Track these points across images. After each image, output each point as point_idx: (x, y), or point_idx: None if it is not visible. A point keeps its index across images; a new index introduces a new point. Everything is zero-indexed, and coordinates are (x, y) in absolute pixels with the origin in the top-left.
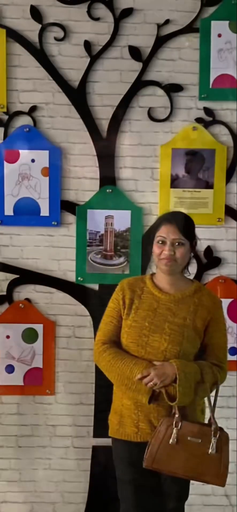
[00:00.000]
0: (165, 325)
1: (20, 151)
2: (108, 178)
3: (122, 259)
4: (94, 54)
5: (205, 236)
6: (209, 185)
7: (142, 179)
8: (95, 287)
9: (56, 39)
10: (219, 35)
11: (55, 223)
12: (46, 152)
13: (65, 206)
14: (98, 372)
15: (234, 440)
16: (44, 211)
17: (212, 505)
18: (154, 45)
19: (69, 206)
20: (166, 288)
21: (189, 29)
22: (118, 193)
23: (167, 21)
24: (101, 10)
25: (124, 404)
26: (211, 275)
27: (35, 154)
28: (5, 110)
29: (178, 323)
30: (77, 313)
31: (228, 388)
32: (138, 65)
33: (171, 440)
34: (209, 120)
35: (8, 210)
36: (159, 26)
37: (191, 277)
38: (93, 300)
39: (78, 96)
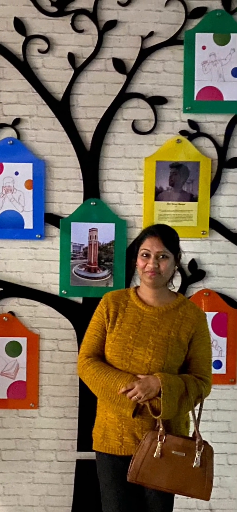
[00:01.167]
0: (149, 338)
1: (4, 163)
2: (92, 190)
3: (105, 272)
4: (78, 66)
5: (189, 249)
6: (193, 198)
7: (126, 192)
8: (79, 300)
9: (40, 51)
10: (204, 47)
11: (39, 236)
12: (30, 165)
13: (49, 219)
14: (82, 386)
15: (220, 453)
16: (28, 224)
17: None
18: (138, 58)
19: (53, 219)
20: (150, 301)
21: (173, 41)
22: (102, 206)
23: (151, 33)
24: (85, 22)
25: (108, 417)
26: (195, 288)
27: (19, 167)
28: None
29: (162, 336)
30: (61, 326)
31: (213, 401)
32: (122, 78)
33: (155, 454)
34: (193, 132)
35: None
36: (143, 38)
37: (175, 290)
38: (77, 313)
39: (62, 109)
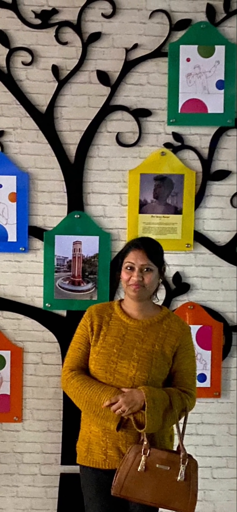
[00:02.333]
0: (133, 351)
1: None
2: (76, 203)
3: (90, 285)
4: (62, 78)
5: (173, 262)
6: (177, 211)
7: (110, 205)
8: (63, 313)
9: (23, 63)
10: (188, 60)
11: (23, 249)
12: (14, 177)
13: (33, 231)
14: (66, 399)
15: (205, 467)
16: (12, 237)
17: None
18: (122, 70)
19: (37, 232)
20: (134, 314)
21: (157, 53)
22: (86, 219)
23: (135, 46)
24: (69, 34)
25: (92, 431)
26: (179, 301)
27: (2, 179)
28: None
29: (147, 350)
30: (45, 340)
31: (197, 415)
32: (106, 90)
33: (139, 468)
34: (177, 145)
35: None
36: (127, 51)
37: (160, 303)
38: (61, 326)
39: (46, 121)
